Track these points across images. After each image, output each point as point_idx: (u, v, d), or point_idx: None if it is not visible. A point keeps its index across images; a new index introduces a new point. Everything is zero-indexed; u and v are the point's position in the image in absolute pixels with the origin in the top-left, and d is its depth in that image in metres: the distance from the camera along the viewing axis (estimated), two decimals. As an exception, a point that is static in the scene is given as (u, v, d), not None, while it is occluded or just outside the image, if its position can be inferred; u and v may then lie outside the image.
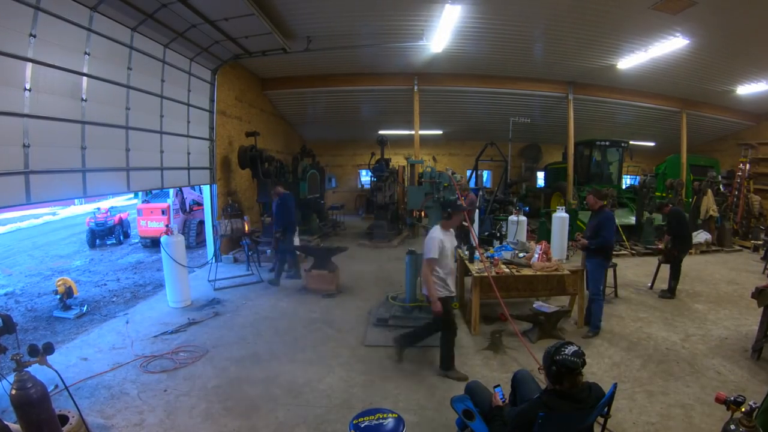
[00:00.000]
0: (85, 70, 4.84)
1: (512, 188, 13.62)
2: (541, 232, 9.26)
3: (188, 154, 7.39)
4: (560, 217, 8.50)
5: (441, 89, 11.49)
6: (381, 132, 13.25)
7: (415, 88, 11.07)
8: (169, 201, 10.87)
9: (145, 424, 3.27)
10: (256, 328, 5.19)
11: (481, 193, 11.90)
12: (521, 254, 5.50)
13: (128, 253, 10.49)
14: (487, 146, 12.21)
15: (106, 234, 11.54)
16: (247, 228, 7.81)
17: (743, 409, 2.00)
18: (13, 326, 2.85)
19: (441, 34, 7.74)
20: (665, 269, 6.53)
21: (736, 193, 10.70)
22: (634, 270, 7.83)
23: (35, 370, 2.55)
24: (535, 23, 7.73)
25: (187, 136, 7.36)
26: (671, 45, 8.03)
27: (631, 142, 12.83)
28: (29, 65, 4.09)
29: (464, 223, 5.50)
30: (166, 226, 7.26)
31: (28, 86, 4.09)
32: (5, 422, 2.70)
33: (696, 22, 7.18)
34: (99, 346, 4.64)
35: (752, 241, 9.90)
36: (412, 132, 11.67)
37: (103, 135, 5.20)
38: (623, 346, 4.63)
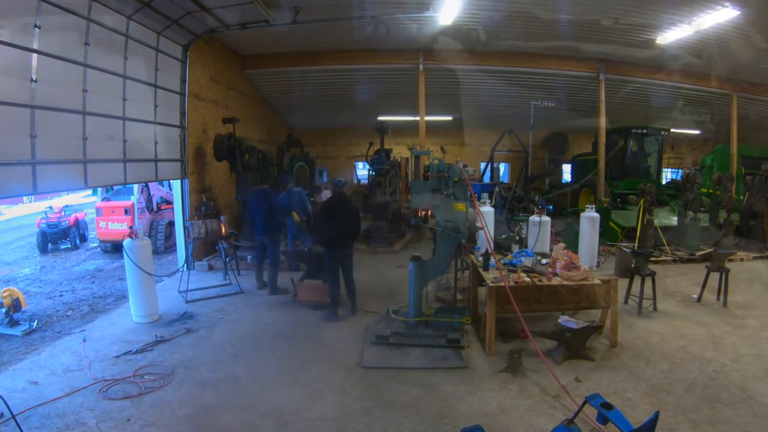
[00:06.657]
0: (35, 46, 4.83)
1: (534, 183, 13.62)
2: (567, 234, 9.25)
3: (155, 143, 7.39)
4: (590, 217, 8.48)
5: (450, 68, 11.48)
6: (380, 118, 13.22)
7: (421, 66, 11.07)
8: (133, 198, 10.88)
9: (105, 458, 3.28)
10: (234, 346, 5.19)
11: (497, 189, 11.90)
12: (544, 261, 5.51)
13: (85, 260, 10.49)
14: (505, 135, 12.20)
15: (60, 237, 11.56)
16: (224, 230, 7.82)
17: (803, 441, 2.00)
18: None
19: (451, 3, 7.74)
20: (714, 278, 6.52)
21: (796, 189, 10.67)
22: (675, 279, 7.83)
23: (-23, 395, 2.56)
24: (560, -10, 7.75)
25: (155, 122, 7.36)
26: (719, 17, 8.02)
27: (672, 130, 12.83)
28: (-30, 40, 4.11)
29: (477, 225, 5.51)
30: (130, 227, 7.27)
31: (-32, 64, 4.10)
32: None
33: (748, -11, 7.20)
34: (51, 368, 4.64)
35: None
36: (417, 118, 11.67)
37: (57, 121, 5.21)
38: (663, 368, 4.62)
